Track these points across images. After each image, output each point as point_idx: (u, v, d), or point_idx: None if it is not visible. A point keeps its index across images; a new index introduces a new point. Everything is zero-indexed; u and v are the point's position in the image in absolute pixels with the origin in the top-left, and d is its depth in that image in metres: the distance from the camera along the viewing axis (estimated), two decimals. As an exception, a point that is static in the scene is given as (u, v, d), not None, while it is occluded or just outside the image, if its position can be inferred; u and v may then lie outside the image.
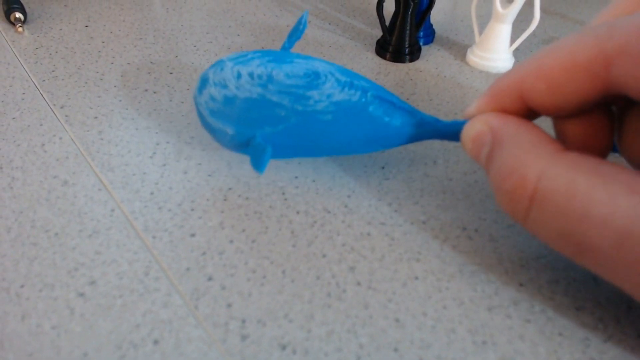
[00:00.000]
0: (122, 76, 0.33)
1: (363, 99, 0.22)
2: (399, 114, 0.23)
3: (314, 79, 0.22)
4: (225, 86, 0.22)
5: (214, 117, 0.22)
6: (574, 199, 0.16)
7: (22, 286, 0.20)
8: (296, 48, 0.38)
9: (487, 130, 0.19)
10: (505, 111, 0.20)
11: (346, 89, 0.22)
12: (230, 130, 0.22)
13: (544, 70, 0.18)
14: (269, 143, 0.22)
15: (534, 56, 0.19)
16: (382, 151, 0.26)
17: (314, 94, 0.21)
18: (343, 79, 0.22)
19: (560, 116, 0.20)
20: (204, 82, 0.23)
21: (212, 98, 0.22)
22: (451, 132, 0.22)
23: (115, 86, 0.32)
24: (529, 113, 0.20)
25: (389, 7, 0.45)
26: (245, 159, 0.27)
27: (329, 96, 0.21)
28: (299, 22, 0.25)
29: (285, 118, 0.21)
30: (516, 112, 0.20)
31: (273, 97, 0.21)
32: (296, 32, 0.25)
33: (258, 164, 0.21)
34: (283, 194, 0.25)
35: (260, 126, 0.22)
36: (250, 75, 0.22)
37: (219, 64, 0.23)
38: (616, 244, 0.15)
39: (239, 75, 0.22)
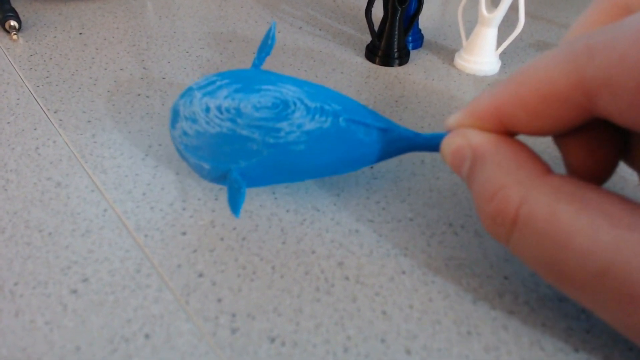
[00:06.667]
0: (115, 81, 0.34)
1: (335, 126, 0.21)
2: (374, 134, 0.22)
3: (282, 109, 0.21)
4: (195, 121, 0.21)
5: (189, 152, 0.22)
6: (555, 227, 0.15)
7: (16, 284, 0.20)
8: (288, 54, 0.38)
9: (467, 145, 0.19)
10: (484, 130, 0.19)
11: (317, 117, 0.21)
12: (206, 166, 0.22)
13: (523, 100, 0.17)
14: (245, 177, 0.22)
15: (511, 79, 0.18)
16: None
17: (284, 125, 0.21)
18: (313, 105, 0.21)
19: (547, 136, 0.19)
20: (175, 115, 0.22)
21: (185, 133, 0.22)
22: (431, 144, 0.22)
23: (108, 91, 0.33)
24: (509, 133, 0.19)
25: (378, 13, 0.45)
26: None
27: (299, 126, 0.21)
28: (267, 36, 0.24)
29: (258, 152, 0.21)
30: (496, 132, 0.19)
31: (243, 132, 0.21)
32: (265, 47, 0.24)
33: (234, 206, 0.21)
34: (273, 193, 0.25)
35: (234, 160, 0.21)
36: (219, 109, 0.21)
37: (188, 95, 0.22)
38: (597, 277, 0.15)
39: (207, 109, 0.21)
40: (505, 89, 0.18)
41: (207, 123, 0.21)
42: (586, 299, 0.16)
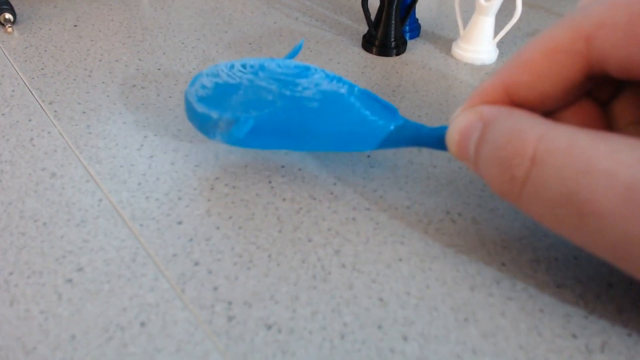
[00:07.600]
0: (110, 73, 0.33)
1: (350, 92, 0.23)
2: (384, 112, 0.23)
3: (304, 70, 0.23)
4: (217, 75, 0.23)
5: (201, 103, 0.23)
6: (575, 155, 0.15)
7: (10, 273, 0.20)
8: (285, 44, 0.38)
9: (478, 117, 0.19)
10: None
11: (334, 82, 0.23)
12: (215, 114, 0.22)
13: (526, 62, 0.18)
14: (252, 128, 0.23)
15: (513, 55, 0.19)
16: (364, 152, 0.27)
17: (303, 81, 0.22)
18: (332, 74, 0.23)
19: (550, 109, 0.20)
20: (197, 77, 0.24)
21: (203, 86, 0.23)
22: (437, 135, 0.22)
23: (103, 82, 0.32)
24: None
25: (375, 3, 0.45)
26: (234, 149, 0.27)
27: (317, 84, 0.22)
28: (295, 48, 0.26)
29: (272, 102, 0.22)
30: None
31: (262, 83, 0.22)
32: (290, 56, 0.26)
33: (238, 130, 0.22)
34: (270, 182, 0.25)
35: (246, 109, 0.22)
36: (243, 65, 0.23)
37: (215, 65, 0.24)
38: (623, 196, 0.14)
39: (232, 66, 0.23)
40: (509, 62, 0.19)
41: (229, 76, 0.23)
42: (608, 238, 0.15)
